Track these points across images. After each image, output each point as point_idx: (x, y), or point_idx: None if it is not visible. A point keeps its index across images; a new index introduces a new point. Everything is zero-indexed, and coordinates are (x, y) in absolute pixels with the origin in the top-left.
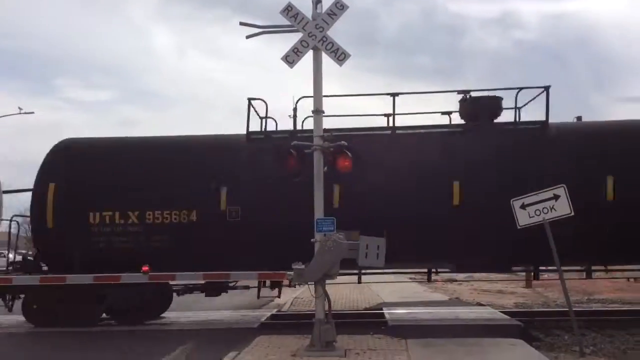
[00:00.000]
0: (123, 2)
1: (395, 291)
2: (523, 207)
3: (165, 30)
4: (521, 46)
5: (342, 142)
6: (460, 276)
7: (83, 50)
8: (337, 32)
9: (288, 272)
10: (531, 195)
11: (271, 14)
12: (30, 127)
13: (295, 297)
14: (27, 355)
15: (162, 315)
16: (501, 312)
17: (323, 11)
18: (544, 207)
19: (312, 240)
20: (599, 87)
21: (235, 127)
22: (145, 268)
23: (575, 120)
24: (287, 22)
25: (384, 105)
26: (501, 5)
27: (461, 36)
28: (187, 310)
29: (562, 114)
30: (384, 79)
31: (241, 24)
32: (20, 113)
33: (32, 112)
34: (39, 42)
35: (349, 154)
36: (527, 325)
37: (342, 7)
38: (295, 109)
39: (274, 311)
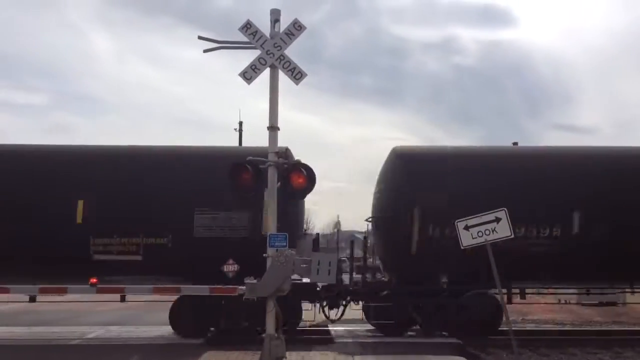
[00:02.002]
0: (59, 1)
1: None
2: (466, 228)
3: (105, 34)
4: (460, 71)
5: (297, 159)
6: None
7: (14, 49)
8: (290, 49)
9: (240, 287)
10: (474, 217)
11: (215, 25)
12: None
13: None
14: None
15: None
16: None
17: (281, 30)
18: (486, 229)
19: (264, 255)
20: (532, 113)
21: (176, 138)
22: (93, 280)
23: (511, 145)
24: (244, 39)
25: (329, 121)
26: (442, 31)
27: (403, 59)
28: (129, 325)
29: (500, 139)
30: (327, 96)
31: (199, 37)
32: None
33: None
34: None
35: (304, 171)
36: (466, 343)
37: (300, 28)
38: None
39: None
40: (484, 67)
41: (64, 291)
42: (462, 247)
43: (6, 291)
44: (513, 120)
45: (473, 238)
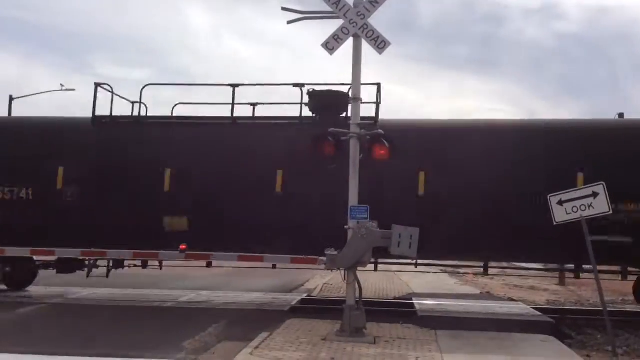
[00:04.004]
0: None
1: (425, 282)
2: (560, 203)
3: (200, 8)
4: (562, 38)
5: (379, 130)
6: (493, 270)
7: (116, 26)
8: (373, 18)
9: (320, 258)
10: (569, 192)
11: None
12: (71, 104)
13: (325, 282)
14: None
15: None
16: (533, 308)
17: None
18: (582, 204)
19: (345, 227)
20: None
21: (266, 109)
22: (183, 246)
23: (616, 117)
24: (327, 8)
25: (422, 93)
26: None
27: (500, 26)
28: (218, 290)
29: (605, 110)
30: (418, 67)
31: (283, 9)
32: (62, 90)
33: (74, 90)
34: (71, 16)
35: (386, 142)
36: (558, 322)
37: None
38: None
39: (304, 296)
40: (589, 34)
41: (155, 256)
42: (555, 223)
43: (103, 254)
44: (620, 91)
45: (567, 214)
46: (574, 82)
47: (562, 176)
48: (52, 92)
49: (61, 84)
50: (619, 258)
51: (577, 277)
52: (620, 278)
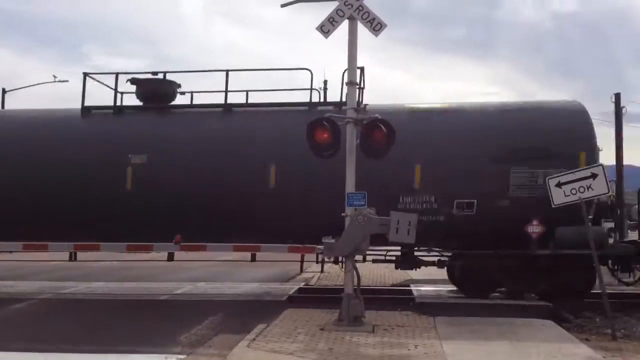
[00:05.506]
0: None
1: (422, 268)
2: (558, 185)
3: None
4: (559, 19)
5: (377, 115)
6: None
7: (109, 16)
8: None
9: (318, 246)
10: (567, 174)
11: None
12: (64, 96)
13: (323, 271)
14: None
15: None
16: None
17: None
18: (581, 186)
19: (342, 214)
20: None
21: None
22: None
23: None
24: None
25: (418, 76)
26: None
27: (497, 7)
28: (215, 282)
29: (601, 91)
30: (415, 50)
31: None
32: (54, 81)
33: (67, 81)
34: (64, 6)
35: (383, 127)
36: (556, 306)
37: None
38: None
39: (302, 285)
40: (585, 13)
41: (150, 249)
42: (553, 206)
43: (97, 248)
44: (617, 71)
45: (566, 196)
46: (569, 62)
47: None
48: (45, 84)
49: (54, 76)
50: None
51: None
52: None
